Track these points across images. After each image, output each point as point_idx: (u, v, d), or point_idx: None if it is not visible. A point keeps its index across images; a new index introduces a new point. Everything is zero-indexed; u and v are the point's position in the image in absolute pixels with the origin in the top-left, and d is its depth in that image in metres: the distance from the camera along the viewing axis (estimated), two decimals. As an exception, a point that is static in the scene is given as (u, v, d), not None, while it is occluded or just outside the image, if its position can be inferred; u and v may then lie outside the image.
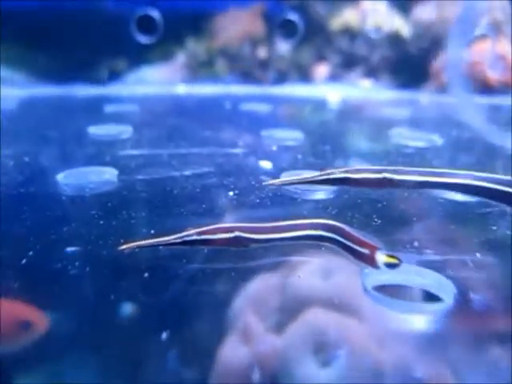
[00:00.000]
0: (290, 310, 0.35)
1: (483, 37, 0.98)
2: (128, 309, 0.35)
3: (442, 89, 1.14)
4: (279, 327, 0.33)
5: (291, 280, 0.37)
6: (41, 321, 0.34)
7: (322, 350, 0.31)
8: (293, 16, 1.24)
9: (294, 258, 0.40)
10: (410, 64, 1.25)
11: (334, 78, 1.27)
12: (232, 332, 0.33)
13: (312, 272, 0.38)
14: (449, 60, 0.94)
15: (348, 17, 1.31)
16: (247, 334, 0.33)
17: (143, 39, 1.17)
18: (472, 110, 0.81)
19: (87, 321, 0.34)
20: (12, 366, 0.30)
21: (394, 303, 0.34)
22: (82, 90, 1.10)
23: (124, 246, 0.38)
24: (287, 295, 0.36)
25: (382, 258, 0.35)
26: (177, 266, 0.39)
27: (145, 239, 0.38)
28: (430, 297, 0.35)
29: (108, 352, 0.32)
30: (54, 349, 0.32)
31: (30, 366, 0.30)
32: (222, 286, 0.38)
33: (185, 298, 0.36)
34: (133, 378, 0.30)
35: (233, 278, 0.38)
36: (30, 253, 0.40)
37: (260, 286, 0.37)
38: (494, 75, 1.01)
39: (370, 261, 0.35)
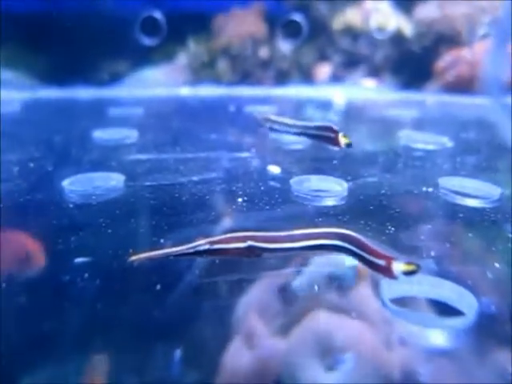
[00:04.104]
0: (294, 313, 0.34)
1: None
2: (136, 317, 0.34)
3: (446, 88, 1.13)
4: (284, 331, 0.33)
5: (295, 284, 0.37)
6: (40, 253, 0.33)
7: (328, 353, 0.31)
8: (297, 16, 1.23)
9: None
10: (412, 63, 1.25)
11: (336, 78, 1.26)
12: (236, 336, 0.32)
13: (316, 276, 0.38)
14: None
15: (350, 16, 1.30)
16: (251, 338, 0.32)
17: (147, 41, 1.16)
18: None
19: (97, 331, 0.33)
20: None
21: (414, 316, 0.33)
22: (85, 93, 1.09)
23: (133, 258, 0.37)
24: (291, 299, 0.36)
25: (399, 267, 0.34)
26: (178, 274, 0.38)
27: (155, 249, 0.38)
28: (450, 309, 0.34)
29: (115, 356, 0.31)
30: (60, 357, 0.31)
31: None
32: (225, 291, 0.37)
33: (189, 303, 0.36)
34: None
35: (236, 284, 0.37)
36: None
37: (264, 290, 0.37)
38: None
39: (387, 272, 0.34)
